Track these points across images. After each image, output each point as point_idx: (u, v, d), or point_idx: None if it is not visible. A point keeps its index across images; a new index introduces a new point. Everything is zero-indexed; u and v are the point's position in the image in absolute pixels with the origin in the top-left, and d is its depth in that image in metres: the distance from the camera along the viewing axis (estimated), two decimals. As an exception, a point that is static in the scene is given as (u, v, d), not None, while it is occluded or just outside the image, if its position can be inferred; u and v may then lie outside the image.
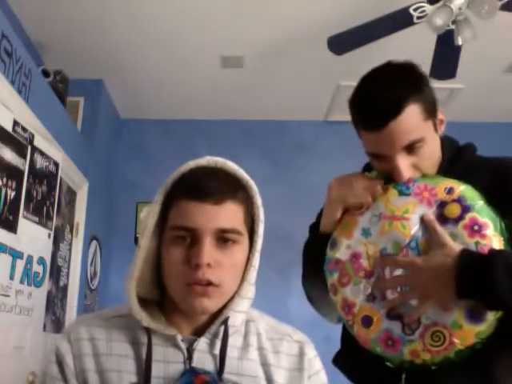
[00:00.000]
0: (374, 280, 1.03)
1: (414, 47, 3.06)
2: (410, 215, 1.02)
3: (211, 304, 0.83)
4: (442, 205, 1.02)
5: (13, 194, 2.15)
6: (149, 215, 0.87)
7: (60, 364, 0.85)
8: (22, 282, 2.18)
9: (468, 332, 0.95)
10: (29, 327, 2.25)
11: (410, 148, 1.04)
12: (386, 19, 2.54)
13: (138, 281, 0.87)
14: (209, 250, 0.81)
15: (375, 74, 1.12)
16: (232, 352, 0.86)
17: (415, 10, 2.49)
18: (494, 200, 1.03)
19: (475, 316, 0.95)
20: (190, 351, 0.85)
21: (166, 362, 0.84)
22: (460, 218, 1.00)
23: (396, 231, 1.02)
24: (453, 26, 2.53)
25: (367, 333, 1.03)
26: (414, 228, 1.01)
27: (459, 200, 1.01)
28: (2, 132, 2.10)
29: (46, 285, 2.44)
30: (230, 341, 0.86)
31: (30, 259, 2.25)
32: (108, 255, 3.75)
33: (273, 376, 0.86)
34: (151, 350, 0.83)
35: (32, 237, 2.29)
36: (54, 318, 2.86)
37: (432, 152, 1.09)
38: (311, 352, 0.92)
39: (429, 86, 1.09)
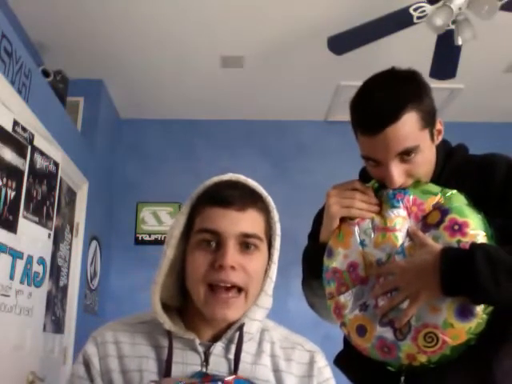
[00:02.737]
0: (367, 288, 1.06)
1: (414, 47, 3.07)
2: (401, 227, 1.06)
3: (233, 314, 0.88)
4: (426, 216, 1.06)
5: (13, 194, 2.15)
6: (174, 225, 0.92)
7: (87, 365, 0.91)
8: (22, 282, 2.18)
9: (460, 330, 0.96)
10: (29, 327, 2.25)
11: (405, 155, 1.05)
12: (386, 19, 2.54)
13: (161, 287, 0.91)
14: (232, 254, 0.86)
15: (377, 79, 1.14)
16: (246, 357, 0.90)
17: (415, 10, 2.49)
18: (481, 198, 1.05)
19: (465, 313, 0.96)
20: (207, 355, 0.89)
21: (185, 363, 0.89)
22: (440, 221, 1.03)
23: (389, 242, 1.06)
24: (453, 26, 2.53)
25: (363, 341, 1.05)
26: (404, 239, 1.06)
27: (439, 207, 1.05)
28: (2, 132, 2.10)
29: (46, 285, 2.44)
30: (245, 347, 0.90)
31: (30, 259, 2.25)
32: (108, 255, 3.75)
33: (283, 382, 0.91)
34: (172, 352, 0.88)
35: (32, 237, 2.29)
36: (54, 318, 2.86)
37: (426, 160, 1.10)
38: (321, 361, 0.95)
39: (429, 96, 1.10)
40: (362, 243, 1.08)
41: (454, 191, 1.07)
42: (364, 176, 1.22)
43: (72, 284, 3.11)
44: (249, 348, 0.92)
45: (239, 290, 0.87)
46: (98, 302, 3.56)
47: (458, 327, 0.96)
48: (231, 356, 0.89)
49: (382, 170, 1.08)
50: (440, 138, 1.14)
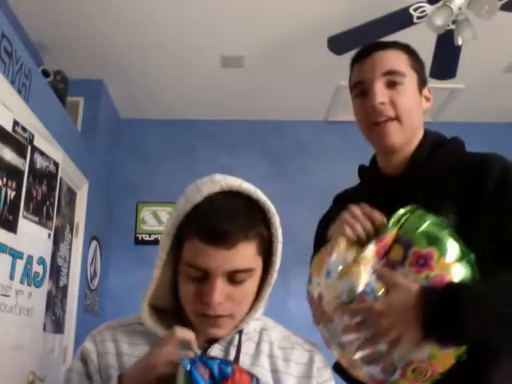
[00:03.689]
0: (336, 327, 0.99)
1: (414, 47, 3.07)
2: (366, 262, 0.98)
3: (223, 332, 0.88)
4: (387, 251, 1.00)
5: (13, 194, 2.15)
6: (161, 245, 0.88)
7: (85, 361, 0.91)
8: (22, 282, 2.18)
9: (447, 357, 0.93)
10: (28, 327, 2.25)
11: (390, 80, 1.13)
12: (386, 19, 2.54)
13: (157, 292, 0.91)
14: (220, 290, 0.83)
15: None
16: (244, 358, 0.90)
17: (415, 9, 2.49)
18: (473, 196, 1.04)
19: (449, 344, 0.92)
20: None
21: None
22: (404, 257, 0.96)
23: (352, 276, 0.98)
24: (453, 26, 2.53)
25: (358, 373, 1.01)
26: (368, 275, 0.97)
27: (399, 239, 0.99)
28: (2, 132, 2.10)
29: (46, 285, 2.44)
30: (243, 348, 0.90)
31: (30, 259, 2.25)
32: (108, 255, 3.75)
33: (282, 382, 0.89)
34: None
35: (32, 237, 2.29)
36: (54, 318, 2.86)
37: (409, 100, 1.13)
38: (321, 361, 0.94)
39: (421, 62, 1.21)
40: (329, 274, 1.01)
41: (412, 209, 1.00)
42: (350, 197, 1.22)
43: (72, 284, 3.11)
44: (247, 349, 0.91)
45: (226, 317, 0.86)
46: (98, 301, 3.57)
47: (445, 355, 0.92)
48: (231, 358, 0.88)
49: (367, 99, 1.14)
50: (428, 106, 1.19)
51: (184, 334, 0.83)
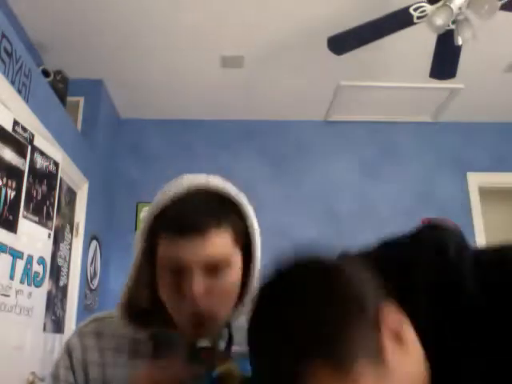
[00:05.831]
0: None
1: (414, 47, 3.08)
2: None
3: (207, 332, 0.84)
4: None
5: (13, 193, 2.15)
6: (135, 250, 0.88)
7: (69, 355, 0.92)
8: (22, 281, 2.18)
9: None
10: (29, 327, 2.25)
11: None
12: (386, 19, 2.54)
13: (139, 294, 0.89)
14: (199, 282, 0.81)
15: None
16: (237, 349, 0.86)
17: (415, 9, 2.49)
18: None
19: None
20: None
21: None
22: None
23: None
24: (453, 26, 2.53)
25: None
26: None
27: None
28: (2, 132, 2.10)
29: (46, 285, 2.44)
30: (236, 338, 0.86)
31: (30, 259, 2.25)
32: (108, 255, 3.75)
33: None
34: (155, 349, 0.87)
35: (32, 237, 2.29)
36: (54, 318, 2.86)
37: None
38: None
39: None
40: None
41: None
42: None
43: (72, 284, 3.11)
44: (239, 339, 0.86)
45: (209, 315, 0.83)
46: (98, 301, 3.56)
47: None
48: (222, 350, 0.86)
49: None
50: None
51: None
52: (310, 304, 0.55)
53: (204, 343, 0.86)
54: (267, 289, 0.62)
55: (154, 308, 0.91)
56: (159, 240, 0.84)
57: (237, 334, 0.88)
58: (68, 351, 0.92)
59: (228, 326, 0.87)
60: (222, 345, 0.86)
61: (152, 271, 0.87)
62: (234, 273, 0.86)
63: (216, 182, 0.86)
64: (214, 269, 0.82)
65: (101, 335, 0.92)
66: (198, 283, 0.80)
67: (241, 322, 0.88)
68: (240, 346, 0.86)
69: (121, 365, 0.89)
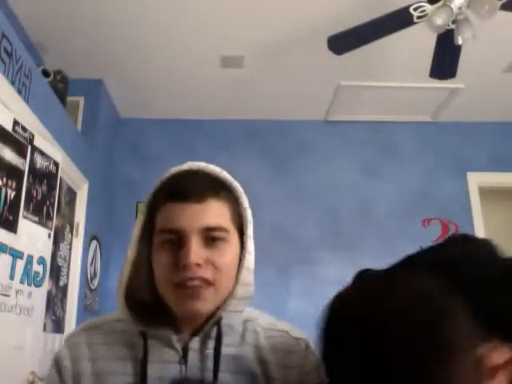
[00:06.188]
0: None
1: (414, 47, 3.08)
2: None
3: (204, 305, 0.83)
4: None
5: (13, 193, 2.15)
6: (135, 225, 0.89)
7: (58, 368, 0.89)
8: (22, 281, 2.18)
9: None
10: (29, 327, 2.25)
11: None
12: (386, 19, 2.54)
13: (135, 285, 0.87)
14: (196, 250, 0.80)
15: None
16: (229, 350, 0.86)
17: (415, 9, 2.49)
18: None
19: None
20: (186, 351, 0.85)
21: (163, 362, 0.85)
22: None
23: None
24: (453, 26, 2.53)
25: None
26: None
27: None
28: (2, 132, 2.10)
29: (46, 285, 2.44)
30: (227, 340, 0.86)
31: (30, 259, 2.25)
32: (108, 255, 3.75)
33: (270, 372, 0.86)
34: (147, 351, 0.84)
35: (32, 237, 2.29)
36: (54, 318, 2.86)
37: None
38: (309, 348, 0.90)
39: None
40: None
41: None
42: None
43: (72, 284, 3.11)
44: (231, 341, 0.87)
45: (208, 283, 0.82)
46: (98, 301, 3.56)
47: None
48: (210, 351, 0.84)
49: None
50: None
51: None
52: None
53: (195, 345, 0.84)
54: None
55: (153, 303, 0.89)
56: (159, 210, 0.85)
57: (228, 335, 0.87)
58: (57, 366, 0.89)
59: (218, 323, 0.85)
60: (211, 344, 0.85)
61: (149, 254, 0.87)
62: (231, 252, 0.85)
63: (214, 167, 0.90)
64: (211, 239, 0.83)
65: (91, 344, 0.89)
66: (196, 250, 0.81)
67: (233, 321, 0.87)
68: (230, 347, 0.86)
69: (114, 371, 0.86)
